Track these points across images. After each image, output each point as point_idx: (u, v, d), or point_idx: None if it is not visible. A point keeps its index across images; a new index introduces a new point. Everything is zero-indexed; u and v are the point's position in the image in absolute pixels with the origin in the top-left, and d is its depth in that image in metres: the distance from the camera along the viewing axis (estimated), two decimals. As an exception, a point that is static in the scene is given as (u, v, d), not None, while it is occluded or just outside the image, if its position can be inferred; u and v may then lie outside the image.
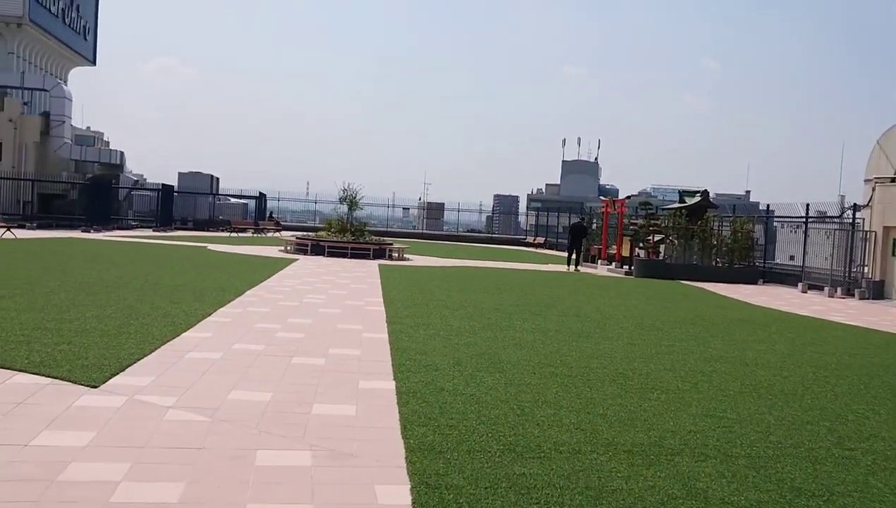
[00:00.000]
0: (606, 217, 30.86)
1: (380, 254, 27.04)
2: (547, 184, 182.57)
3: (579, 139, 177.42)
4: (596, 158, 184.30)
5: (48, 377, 6.44)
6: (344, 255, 26.35)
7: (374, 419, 5.86)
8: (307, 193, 60.10)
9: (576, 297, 16.73)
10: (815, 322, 14.88)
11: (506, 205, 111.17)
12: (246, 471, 4.58)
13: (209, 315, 10.61)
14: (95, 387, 6.22)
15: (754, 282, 25.41)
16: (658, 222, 28.29)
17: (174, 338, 8.61)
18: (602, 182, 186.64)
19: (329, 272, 19.58)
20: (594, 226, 35.38)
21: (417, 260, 27.58)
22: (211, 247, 28.40)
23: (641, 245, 27.46)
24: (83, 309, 10.24)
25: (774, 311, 16.44)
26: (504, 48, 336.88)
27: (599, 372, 8.17)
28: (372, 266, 22.82)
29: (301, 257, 25.13)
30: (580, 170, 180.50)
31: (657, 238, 27.70)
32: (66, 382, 6.32)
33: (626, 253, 28.19)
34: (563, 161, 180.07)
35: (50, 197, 41.93)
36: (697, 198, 28.00)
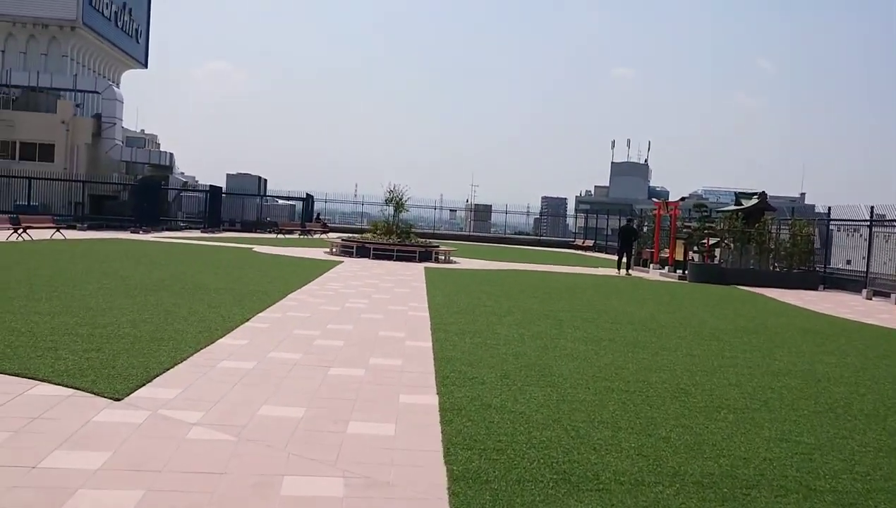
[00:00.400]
0: (659, 219, 29.99)
1: (426, 256, 26.60)
2: (596, 186, 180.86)
3: (629, 141, 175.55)
4: (646, 160, 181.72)
5: (70, 388, 6.07)
6: (389, 258, 25.97)
7: (415, 440, 5.36)
8: (355, 195, 59.91)
9: (629, 303, 16.04)
10: (885, 331, 13.98)
11: (554, 207, 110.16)
12: (269, 502, 4.11)
13: (247, 320, 10.23)
14: (118, 400, 5.82)
15: (814, 288, 24.37)
16: (713, 225, 27.35)
17: (208, 345, 8.22)
18: (652, 184, 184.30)
19: (373, 275, 19.17)
20: (644, 228, 34.53)
21: (464, 263, 27.08)
22: (256, 248, 28.27)
23: (696, 248, 26.54)
24: (119, 314, 9.93)
25: (840, 320, 15.55)
26: (554, 50, 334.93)
27: (659, 388, 7.56)
28: (417, 269, 22.38)
29: (346, 259, 24.81)
30: (630, 171, 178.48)
31: (712, 241, 26.77)
32: (88, 394, 5.94)
33: (679, 256, 27.30)
34: (612, 163, 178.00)
35: (101, 198, 42.44)
36: (755, 201, 27.00)
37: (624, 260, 28.26)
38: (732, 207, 27.98)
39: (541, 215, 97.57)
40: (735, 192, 29.35)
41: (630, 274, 27.17)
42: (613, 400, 6.90)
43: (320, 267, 20.39)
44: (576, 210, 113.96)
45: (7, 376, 6.35)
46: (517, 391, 6.97)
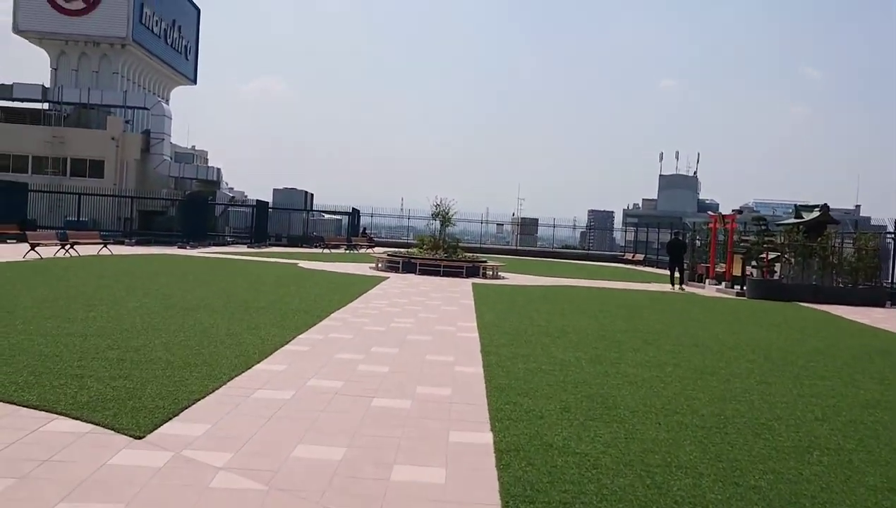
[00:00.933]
0: (714, 233, 28.92)
1: (473, 271, 25.95)
2: (644, 199, 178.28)
3: (677, 153, 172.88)
4: (695, 172, 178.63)
5: (90, 422, 5.55)
6: (436, 273, 25.38)
7: (468, 490, 4.70)
8: (401, 209, 59.47)
9: (689, 322, 15.19)
10: (972, 354, 12.93)
11: (600, 220, 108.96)
12: (299, 574, 3.49)
13: (287, 342, 9.68)
14: (140, 438, 5.27)
15: (882, 305, 23.13)
16: (772, 239, 26.24)
17: (244, 372, 7.67)
18: (701, 196, 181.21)
19: (419, 292, 18.58)
20: (697, 242, 33.44)
21: (512, 279, 26.37)
22: (301, 264, 27.92)
23: (754, 263, 25.43)
24: (153, 335, 9.46)
25: (919, 341, 14.50)
26: (599, 62, 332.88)
27: (737, 422, 6.79)
28: (465, 285, 21.75)
29: (392, 275, 24.28)
30: (678, 184, 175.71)
31: (771, 256, 25.66)
32: (107, 430, 5.40)
33: (737, 272, 26.22)
34: (660, 175, 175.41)
35: (150, 213, 42.68)
36: (816, 214, 25.82)
37: (676, 274, 27.34)
38: (792, 220, 26.83)
39: (587, 228, 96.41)
40: (795, 205, 28.17)
41: (683, 289, 26.22)
42: (689, 438, 6.16)
43: (365, 284, 19.87)
44: (623, 223, 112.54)
45: (25, 408, 5.86)
46: (580, 427, 6.27)
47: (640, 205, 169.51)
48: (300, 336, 10.32)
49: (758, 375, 9.36)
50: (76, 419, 5.63)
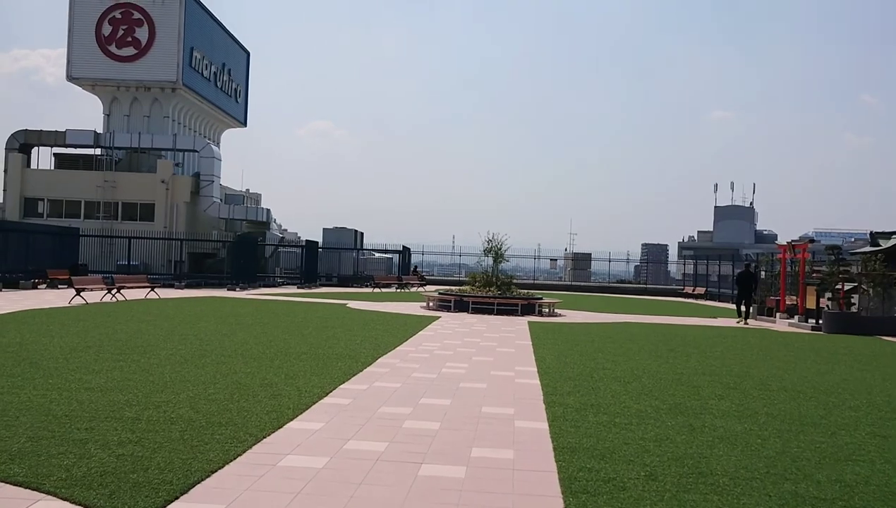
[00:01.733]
0: (784, 264, 27.31)
1: (528, 309, 24.79)
2: (699, 232, 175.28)
3: (732, 183, 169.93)
4: (751, 203, 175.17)
5: (78, 505, 4.60)
6: (489, 312, 24.29)
7: None
8: (453, 247, 58.61)
9: (769, 362, 13.83)
10: None
11: (654, 253, 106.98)
12: None
13: (327, 394, 8.70)
14: (134, 527, 4.30)
15: (974, 338, 21.32)
16: (848, 268, 24.60)
17: (275, 432, 6.70)
18: (759, 227, 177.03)
19: (473, 332, 17.52)
20: (762, 273, 31.81)
21: (570, 316, 25.14)
22: (350, 304, 27.09)
23: (829, 295, 23.78)
24: (180, 389, 8.56)
25: None
26: (649, 94, 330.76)
27: (863, 492, 5.56)
28: (520, 324, 20.61)
29: (443, 314, 23.27)
30: (734, 215, 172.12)
31: (848, 287, 24.00)
32: (97, 516, 4.44)
33: (810, 304, 24.58)
34: (715, 207, 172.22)
35: (201, 256, 42.52)
36: (895, 241, 24.16)
37: (743, 307, 25.89)
38: (869, 248, 25.16)
39: (644, 262, 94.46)
40: (870, 232, 26.48)
41: (748, 323, 24.85)
42: (812, 516, 4.96)
43: (415, 325, 18.89)
44: (679, 255, 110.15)
45: (9, 485, 4.94)
46: (673, 501, 5.12)
47: (696, 238, 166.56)
48: (343, 385, 9.34)
49: (867, 426, 8.06)
50: (64, 499, 4.69)
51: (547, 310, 25.39)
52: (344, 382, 9.60)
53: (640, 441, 6.87)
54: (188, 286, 36.55)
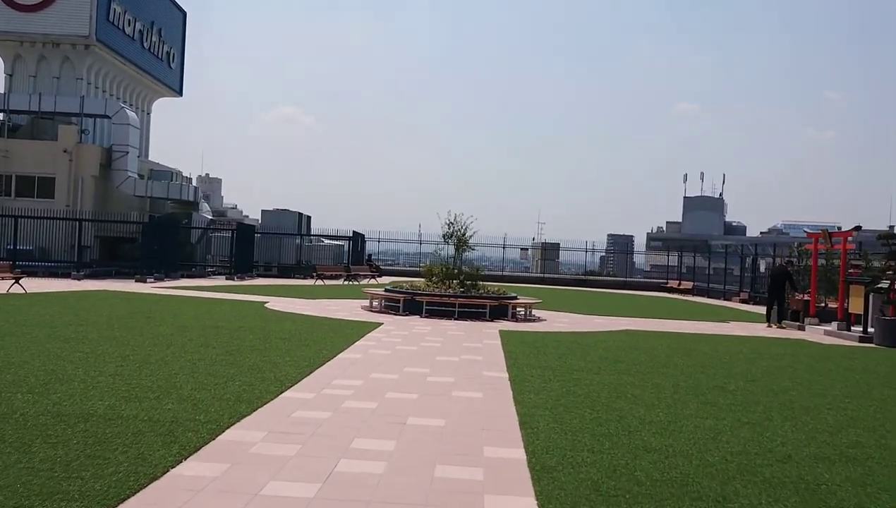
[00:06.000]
0: (816, 257, 22.05)
1: (499, 312, 19.22)
2: (668, 222, 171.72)
3: (702, 174, 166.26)
4: (720, 194, 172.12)
5: None
6: (450, 315, 18.70)
7: None
8: (419, 234, 52.46)
9: (857, 401, 8.49)
10: None
11: (621, 244, 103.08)
12: None
13: None
14: None
15: None
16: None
17: None
18: (728, 218, 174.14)
19: (422, 354, 11.94)
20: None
21: (551, 319, 19.70)
22: (272, 302, 21.25)
23: (886, 299, 18.48)
24: None
25: None
26: (612, 87, 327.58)
27: None
28: (490, 335, 15.10)
29: (388, 319, 17.65)
30: (703, 206, 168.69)
31: (902, 286, 18.80)
32: None
33: (855, 308, 19.35)
34: (684, 197, 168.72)
35: (115, 240, 36.33)
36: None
37: (773, 308, 21.07)
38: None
39: (609, 253, 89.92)
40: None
41: (779, 327, 20.57)
42: None
43: (343, 339, 13.28)
44: (648, 247, 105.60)
45: None
46: None
47: (665, 229, 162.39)
48: (172, 480, 3.72)
49: None
50: None
51: (523, 313, 19.87)
52: (184, 461, 3.99)
53: None
54: (91, 276, 30.43)
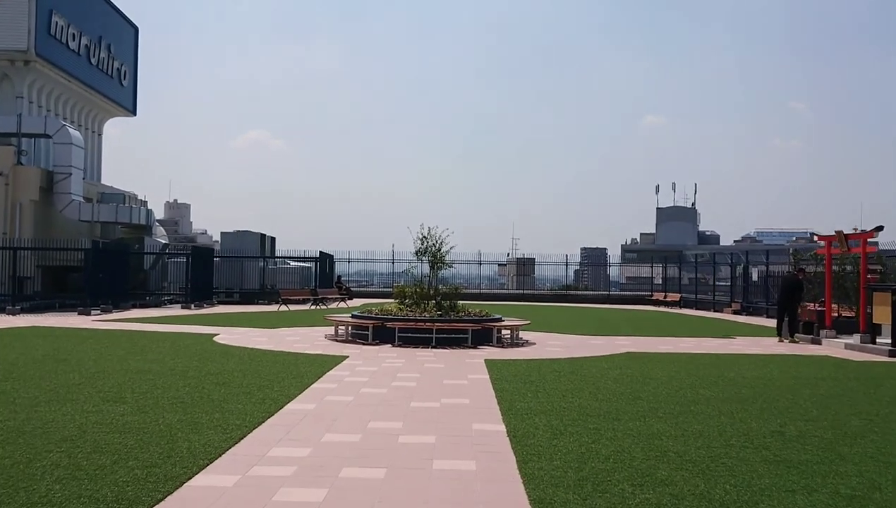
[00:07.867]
0: (829, 262, 19.93)
1: (483, 337, 16.86)
2: (642, 234, 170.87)
3: (674, 184, 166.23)
4: (693, 204, 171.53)
5: None
6: (425, 343, 16.31)
7: None
8: (392, 254, 49.83)
9: None
10: None
11: (594, 257, 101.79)
12: None
13: None
14: None
15: None
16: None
17: None
18: (701, 228, 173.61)
19: (393, 399, 9.53)
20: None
21: (541, 343, 17.38)
22: (223, 335, 18.65)
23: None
24: None
25: None
26: (578, 101, 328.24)
27: None
28: (475, 367, 12.72)
29: (354, 350, 15.20)
30: (677, 216, 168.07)
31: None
32: None
33: (880, 319, 17.24)
34: (657, 208, 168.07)
35: (61, 270, 33.45)
36: None
37: (784, 320, 19.02)
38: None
39: (584, 266, 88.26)
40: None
41: (791, 341, 18.92)
42: None
43: (293, 381, 10.85)
44: (622, 259, 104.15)
45: None
46: None
47: (639, 240, 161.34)
48: None
49: None
50: None
51: (509, 337, 17.52)
52: None
53: None
54: (31, 310, 27.62)
